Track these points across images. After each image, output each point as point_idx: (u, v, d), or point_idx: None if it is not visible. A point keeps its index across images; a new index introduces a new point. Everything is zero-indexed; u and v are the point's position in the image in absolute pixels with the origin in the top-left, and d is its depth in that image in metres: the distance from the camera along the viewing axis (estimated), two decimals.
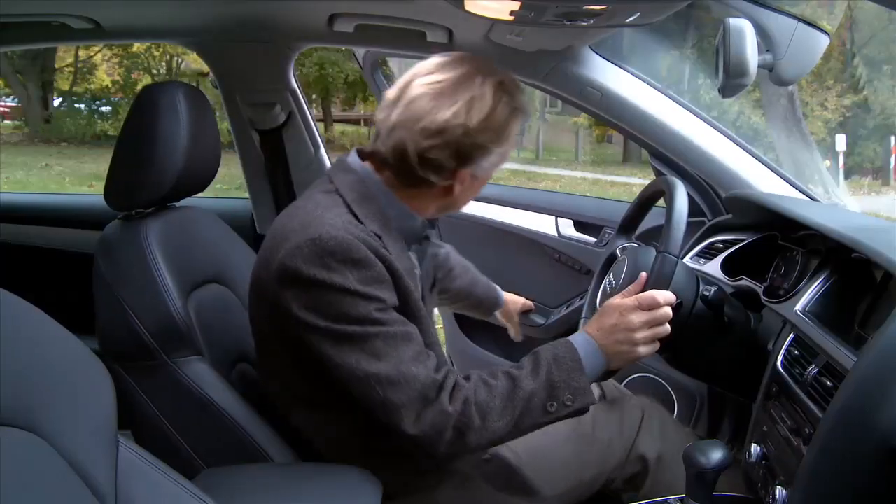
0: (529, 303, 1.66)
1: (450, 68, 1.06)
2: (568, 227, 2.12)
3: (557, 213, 2.13)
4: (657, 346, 1.11)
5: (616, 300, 1.12)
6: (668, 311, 1.10)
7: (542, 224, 2.15)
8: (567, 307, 1.98)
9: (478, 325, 1.88)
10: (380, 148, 1.07)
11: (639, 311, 1.09)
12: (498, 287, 1.62)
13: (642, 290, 1.12)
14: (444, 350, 1.61)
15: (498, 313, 1.62)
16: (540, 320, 2.08)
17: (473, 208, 2.18)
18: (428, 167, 1.05)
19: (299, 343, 1.04)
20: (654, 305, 1.09)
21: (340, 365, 1.02)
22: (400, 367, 1.01)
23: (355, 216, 1.06)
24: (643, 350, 1.10)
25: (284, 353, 1.09)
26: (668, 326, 1.10)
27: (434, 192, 1.11)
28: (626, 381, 1.72)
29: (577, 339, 1.10)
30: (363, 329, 1.01)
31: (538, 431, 1.18)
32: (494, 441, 1.05)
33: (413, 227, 1.14)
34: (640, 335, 1.09)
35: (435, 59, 1.08)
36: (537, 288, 2.14)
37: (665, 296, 1.10)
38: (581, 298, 1.65)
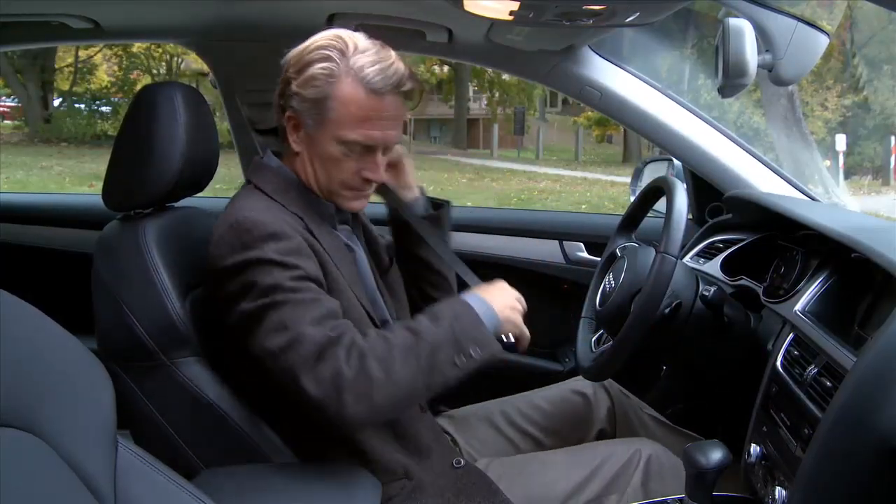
0: None
1: None
2: (578, 251, 2.00)
3: (562, 236, 2.01)
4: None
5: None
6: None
7: (543, 250, 2.01)
8: (593, 349, 1.47)
9: None
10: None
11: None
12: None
13: None
14: None
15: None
16: (557, 366, 1.98)
17: (455, 239, 2.02)
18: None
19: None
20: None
21: (262, 349, 1.04)
22: (297, 328, 1.03)
23: (277, 202, 1.16)
24: (519, 318, 1.19)
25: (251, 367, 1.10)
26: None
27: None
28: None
29: (471, 298, 1.15)
30: (273, 298, 1.04)
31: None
32: (403, 397, 1.06)
33: (325, 211, 1.22)
34: (517, 305, 1.19)
35: None
36: (543, 327, 2.02)
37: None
38: (605, 337, 1.47)
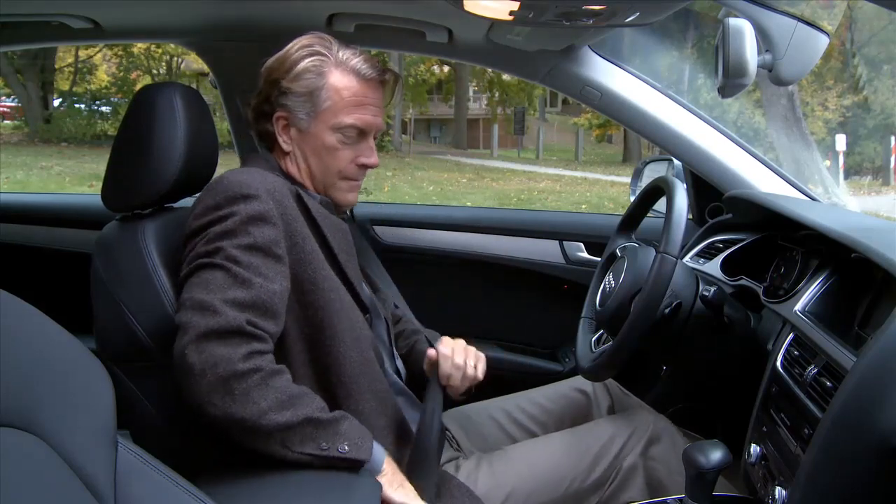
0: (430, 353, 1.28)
1: None
2: (578, 251, 2.01)
3: (562, 236, 2.02)
4: None
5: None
6: None
7: (543, 250, 2.01)
8: (593, 349, 1.44)
9: None
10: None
11: None
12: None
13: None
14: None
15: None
16: (558, 366, 1.97)
17: (454, 239, 2.01)
18: (262, 118, 1.25)
19: None
20: None
21: (181, 296, 1.04)
22: (216, 298, 1.01)
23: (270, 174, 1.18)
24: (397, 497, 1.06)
25: None
26: None
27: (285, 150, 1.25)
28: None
29: (378, 449, 1.07)
30: (212, 259, 1.05)
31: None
32: (257, 431, 0.99)
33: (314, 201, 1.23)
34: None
35: None
36: (544, 327, 2.03)
37: None
38: (605, 337, 1.46)
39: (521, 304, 2.07)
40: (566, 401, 1.47)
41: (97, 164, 10.11)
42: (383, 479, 1.06)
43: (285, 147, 1.24)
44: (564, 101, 22.05)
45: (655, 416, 1.36)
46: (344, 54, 1.21)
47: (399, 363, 1.32)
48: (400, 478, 1.08)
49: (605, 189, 12.09)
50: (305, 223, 1.15)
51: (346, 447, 1.02)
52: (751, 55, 1.21)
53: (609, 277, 1.37)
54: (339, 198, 1.26)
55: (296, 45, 1.22)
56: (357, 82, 1.21)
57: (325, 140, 1.21)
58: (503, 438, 1.41)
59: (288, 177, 1.24)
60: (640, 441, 1.29)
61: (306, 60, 1.20)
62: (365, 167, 1.25)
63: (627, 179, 2.89)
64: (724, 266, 1.54)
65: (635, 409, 1.44)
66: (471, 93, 21.51)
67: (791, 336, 1.17)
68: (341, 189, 1.25)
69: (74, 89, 15.26)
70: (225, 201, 1.09)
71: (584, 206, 9.90)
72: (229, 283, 1.03)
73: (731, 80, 1.23)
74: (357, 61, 1.21)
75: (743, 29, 1.21)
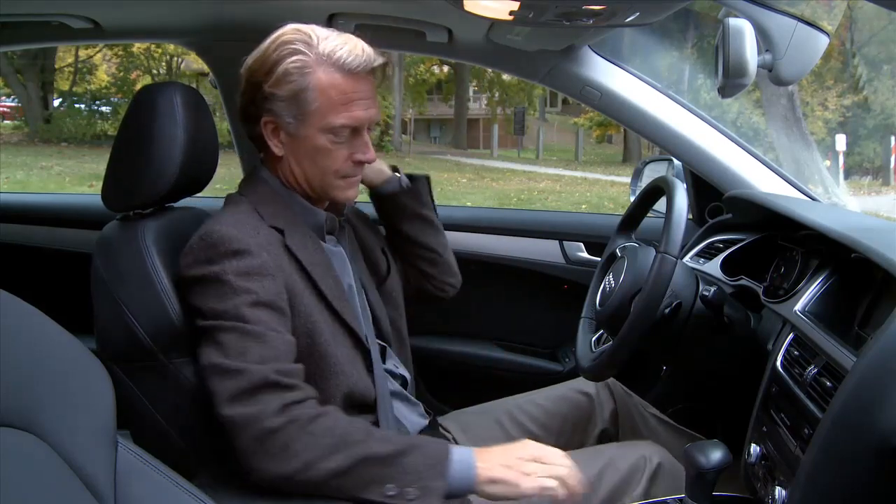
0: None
1: None
2: (578, 251, 2.01)
3: (562, 236, 2.02)
4: (542, 485, 1.00)
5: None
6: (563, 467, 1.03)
7: (543, 250, 2.01)
8: (593, 349, 1.44)
9: None
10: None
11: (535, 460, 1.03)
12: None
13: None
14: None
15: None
16: (558, 366, 1.98)
17: (454, 238, 1.94)
18: (250, 119, 1.18)
19: None
20: (552, 461, 1.03)
21: (202, 361, 1.05)
22: (234, 360, 1.01)
23: (259, 214, 1.16)
24: (527, 484, 1.00)
25: None
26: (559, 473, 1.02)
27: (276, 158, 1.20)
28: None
29: (459, 450, 1.03)
30: (221, 322, 1.04)
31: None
32: (308, 484, 0.98)
33: (317, 221, 1.22)
34: (527, 467, 1.01)
35: None
36: (544, 327, 2.03)
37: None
38: (605, 337, 1.46)
39: (521, 304, 2.07)
40: (569, 403, 1.46)
41: (97, 164, 10.11)
42: (473, 468, 1.00)
43: (277, 151, 1.18)
44: (564, 101, 22.06)
45: (656, 448, 1.28)
46: (326, 47, 1.13)
47: (402, 370, 1.31)
48: (496, 463, 1.01)
49: (605, 189, 12.09)
50: (297, 272, 1.13)
51: (415, 490, 0.96)
52: (751, 55, 1.21)
53: (609, 277, 1.37)
54: (338, 196, 1.22)
55: (274, 43, 1.15)
56: (343, 78, 1.13)
57: (317, 142, 1.15)
58: (504, 440, 1.40)
59: (286, 186, 1.21)
60: (638, 485, 1.22)
61: (287, 61, 1.12)
62: (361, 163, 1.20)
63: (627, 179, 2.88)
64: (724, 266, 1.54)
65: (639, 432, 1.42)
66: (471, 93, 21.52)
67: (791, 336, 1.17)
68: (340, 187, 1.21)
69: (74, 89, 15.27)
70: (216, 256, 1.07)
71: (584, 206, 9.90)
72: (245, 342, 1.02)
73: (731, 80, 1.23)
74: (342, 54, 1.12)
75: (743, 29, 1.21)
